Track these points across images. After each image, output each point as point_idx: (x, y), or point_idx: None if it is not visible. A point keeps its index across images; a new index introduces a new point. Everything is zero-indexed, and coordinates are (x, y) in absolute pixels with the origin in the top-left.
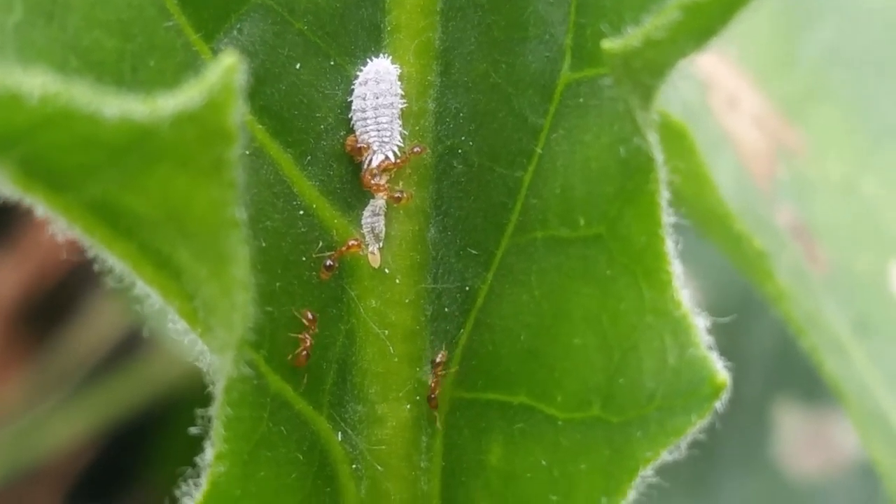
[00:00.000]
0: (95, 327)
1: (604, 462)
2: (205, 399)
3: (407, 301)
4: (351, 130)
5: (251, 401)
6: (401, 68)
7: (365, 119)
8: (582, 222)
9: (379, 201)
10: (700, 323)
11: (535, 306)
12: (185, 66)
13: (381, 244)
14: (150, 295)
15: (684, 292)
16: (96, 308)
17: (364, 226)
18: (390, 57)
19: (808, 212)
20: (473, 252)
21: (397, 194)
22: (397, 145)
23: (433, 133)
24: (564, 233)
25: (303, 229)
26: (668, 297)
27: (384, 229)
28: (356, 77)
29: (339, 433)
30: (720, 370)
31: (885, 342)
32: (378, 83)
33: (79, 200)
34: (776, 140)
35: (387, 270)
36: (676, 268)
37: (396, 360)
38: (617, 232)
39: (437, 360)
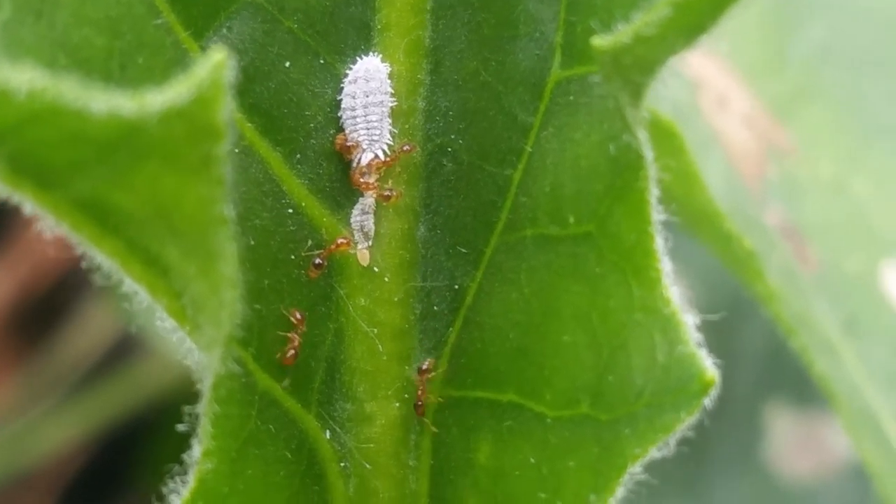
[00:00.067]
0: (88, 332)
1: (592, 459)
2: (194, 399)
3: (396, 299)
4: (340, 129)
5: (239, 398)
6: (391, 66)
7: (354, 117)
8: (571, 220)
9: (368, 199)
10: (689, 320)
11: (524, 304)
12: (175, 64)
13: (370, 242)
14: (139, 293)
15: (673, 290)
16: (89, 313)
17: (353, 224)
18: (380, 55)
19: (798, 212)
20: (463, 250)
21: (387, 193)
22: (387, 143)
23: (423, 131)
24: (554, 231)
25: (292, 227)
26: (658, 294)
27: (373, 228)
28: (346, 75)
29: (328, 431)
30: (709, 367)
31: (875, 342)
32: (368, 81)
33: (66, 197)
34: (766, 140)
35: (376, 269)
36: (666, 265)
37: (385, 358)
38: (606, 229)
39: (424, 367)
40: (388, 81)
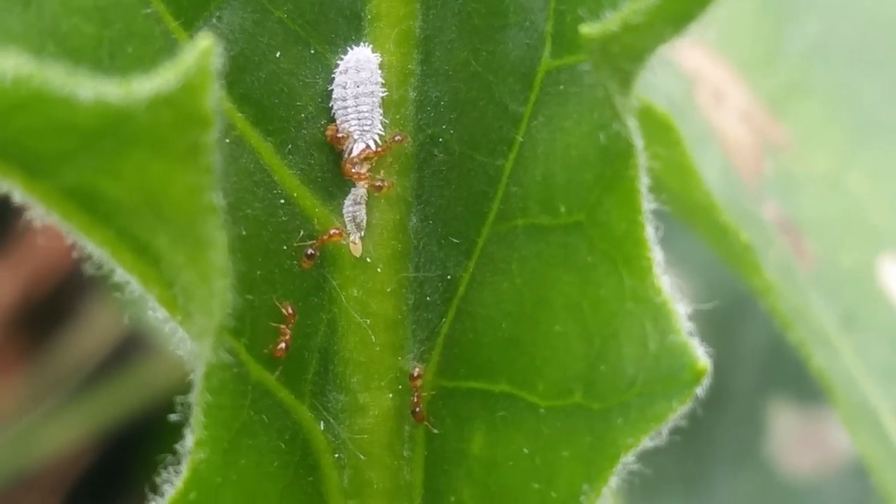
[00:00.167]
0: (92, 332)
1: (585, 449)
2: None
3: (388, 290)
4: (331, 119)
5: (232, 388)
6: (381, 57)
7: (345, 108)
8: (562, 210)
9: (360, 190)
10: (681, 309)
11: (516, 294)
12: (164, 54)
13: (362, 233)
14: (130, 282)
15: (665, 279)
16: (93, 313)
17: (345, 215)
18: (371, 45)
19: (794, 207)
20: (455, 241)
21: (378, 183)
22: (378, 134)
23: (414, 122)
24: (545, 220)
25: (284, 218)
26: (649, 283)
27: (365, 218)
28: (336, 66)
29: (322, 422)
30: (701, 356)
31: (872, 337)
32: (358, 72)
33: (55, 186)
34: (762, 135)
35: (368, 259)
36: (657, 254)
37: (378, 349)
38: (597, 219)
39: (415, 374)
40: (379, 72)
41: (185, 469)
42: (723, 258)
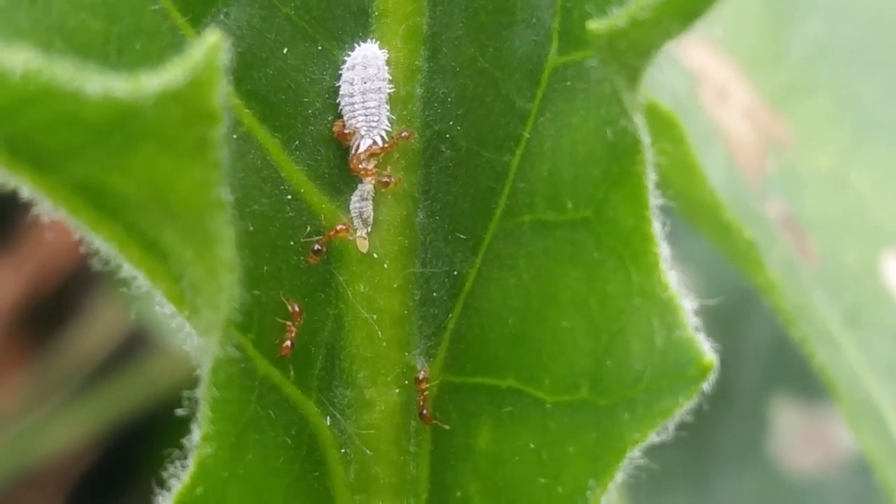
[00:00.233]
0: (96, 330)
1: (591, 444)
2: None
3: (395, 286)
4: (338, 115)
5: (238, 383)
6: (388, 53)
7: (353, 104)
8: (569, 206)
9: (367, 186)
10: (687, 305)
11: (522, 290)
12: (172, 50)
13: (369, 229)
14: (137, 277)
15: (671, 274)
16: (97, 311)
17: (352, 210)
18: (378, 42)
19: (798, 204)
20: (461, 236)
21: (385, 179)
22: (385, 130)
23: (421, 118)
24: (552, 216)
25: (290, 214)
26: (656, 279)
27: (372, 214)
28: (344, 62)
29: (328, 417)
30: (707, 351)
31: (875, 334)
32: (366, 68)
33: (63, 181)
34: (766, 133)
35: (375, 255)
36: (664, 250)
37: (385, 344)
38: (604, 215)
39: (420, 377)
40: (386, 68)
41: (191, 464)
42: (726, 255)
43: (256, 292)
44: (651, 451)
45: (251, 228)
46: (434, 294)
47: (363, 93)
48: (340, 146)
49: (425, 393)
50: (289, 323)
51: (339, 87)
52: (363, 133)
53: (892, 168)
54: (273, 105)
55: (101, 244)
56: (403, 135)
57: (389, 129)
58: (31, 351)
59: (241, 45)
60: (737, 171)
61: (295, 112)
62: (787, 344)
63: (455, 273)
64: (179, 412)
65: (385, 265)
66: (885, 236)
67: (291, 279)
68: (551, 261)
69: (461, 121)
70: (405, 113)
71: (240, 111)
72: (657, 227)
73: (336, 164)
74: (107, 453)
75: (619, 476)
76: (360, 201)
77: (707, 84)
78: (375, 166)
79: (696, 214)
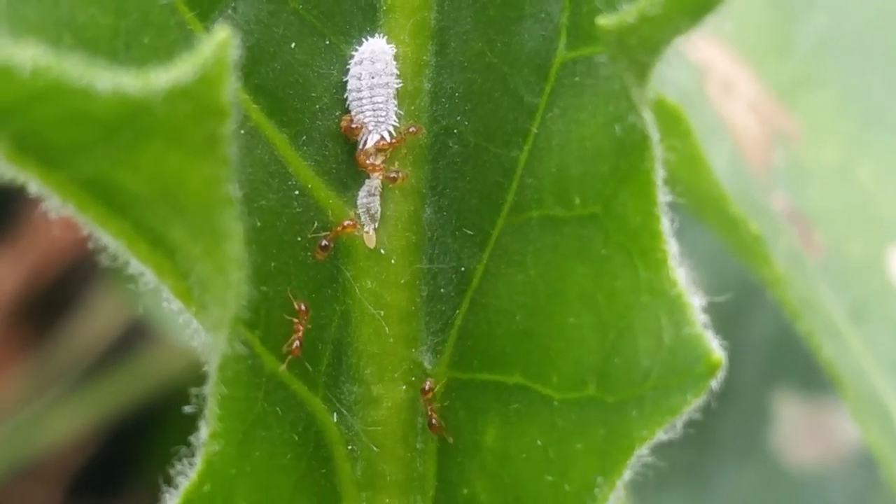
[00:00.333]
0: (95, 322)
1: (599, 442)
2: (201, 382)
3: (402, 282)
4: (346, 110)
5: (246, 380)
6: (396, 48)
7: (360, 99)
8: (577, 202)
9: (374, 181)
10: (696, 302)
11: (530, 286)
12: (180, 45)
13: (376, 224)
14: (145, 273)
15: (680, 271)
16: (96, 302)
17: (359, 206)
18: (386, 36)
19: (803, 198)
20: (469, 232)
21: (393, 174)
22: (393, 125)
23: (429, 113)
24: (560, 212)
25: (298, 209)
26: (664, 275)
27: (380, 210)
28: (351, 57)
29: (335, 414)
30: (716, 349)
31: (881, 328)
32: (373, 63)
33: (71, 177)
34: (772, 126)
35: (382, 251)
36: (672, 246)
37: (392, 340)
38: (612, 211)
39: (427, 386)
40: (394, 63)
41: (199, 461)
42: (732, 249)
43: (264, 288)
44: (652, 446)
45: (258, 224)
46: (441, 290)
47: (371, 88)
48: (348, 141)
49: (432, 403)
50: (297, 322)
51: (347, 81)
52: (371, 128)
53: None
54: (281, 100)
55: (109, 240)
56: (411, 130)
57: (397, 125)
58: (31, 342)
59: (249, 40)
60: (742, 164)
61: (302, 107)
62: (790, 337)
63: (462, 269)
64: (186, 409)
65: (392, 261)
66: (891, 230)
67: (299, 275)
68: (559, 257)
69: (469, 116)
70: (413, 108)
71: (248, 106)
72: (665, 224)
73: (343, 159)
74: (106, 445)
75: (627, 474)
76: (368, 197)
77: (713, 77)
78: (383, 162)
79: (702, 208)
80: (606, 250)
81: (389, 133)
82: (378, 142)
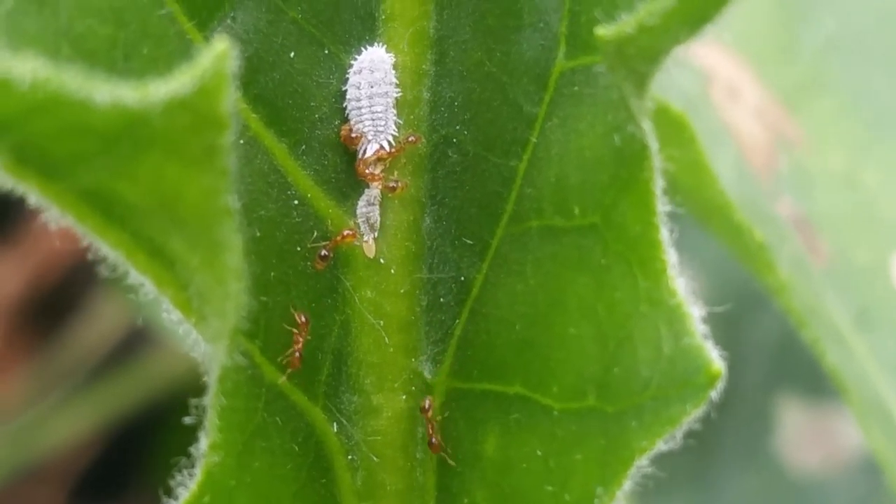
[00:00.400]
0: (98, 324)
1: (599, 452)
2: (201, 391)
3: (402, 291)
4: (345, 120)
5: (245, 391)
6: (395, 57)
7: (359, 108)
8: (577, 211)
9: (374, 191)
10: (695, 312)
11: (530, 296)
12: (179, 55)
13: (375, 234)
14: (144, 284)
15: (679, 281)
16: (99, 305)
17: (359, 215)
18: (385, 46)
19: (808, 203)
20: (468, 242)
21: (392, 184)
22: (392, 134)
23: (428, 122)
24: (559, 222)
25: (297, 219)
26: (663, 285)
27: (379, 219)
28: (350, 66)
29: (335, 424)
30: (715, 359)
31: (887, 334)
32: (372, 72)
33: (70, 188)
34: (777, 132)
35: (382, 260)
36: (671, 256)
37: (392, 350)
38: (612, 221)
39: (426, 405)
40: (393, 72)
41: (199, 472)
42: (736, 256)
43: (263, 298)
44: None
45: (258, 234)
46: (441, 299)
47: (370, 97)
48: (347, 151)
49: (432, 421)
50: (296, 333)
51: (346, 91)
52: (370, 137)
53: None
54: (280, 109)
55: (109, 251)
56: (410, 139)
57: (396, 134)
58: (34, 346)
59: (248, 50)
60: (747, 170)
61: (301, 116)
62: (791, 342)
63: (462, 278)
64: (186, 420)
65: (392, 270)
66: None
67: (298, 285)
68: (559, 266)
69: (468, 125)
70: (412, 117)
71: (246, 116)
72: (665, 234)
73: (343, 168)
74: (109, 448)
75: (627, 484)
76: (367, 206)
77: (718, 82)
78: (382, 171)
79: (705, 215)
80: (606, 260)
81: (389, 142)
82: (377, 151)
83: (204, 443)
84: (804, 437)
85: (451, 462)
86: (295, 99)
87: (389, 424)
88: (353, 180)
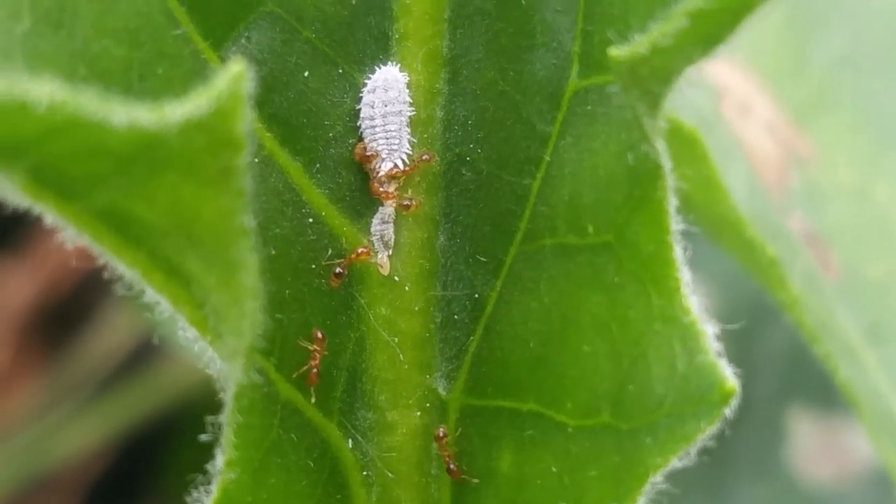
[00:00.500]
0: (108, 336)
1: (613, 469)
2: (216, 407)
3: (416, 308)
4: (359, 138)
5: (261, 408)
6: (409, 76)
7: (373, 127)
8: (590, 230)
9: (388, 209)
10: (709, 329)
11: (544, 314)
12: (194, 75)
13: (390, 252)
14: (160, 302)
15: (693, 299)
16: (109, 317)
17: (373, 233)
18: (398, 65)
19: (820, 219)
20: (482, 259)
21: (406, 202)
22: (406, 153)
23: (441, 141)
24: (573, 240)
25: (312, 237)
26: (677, 303)
27: (393, 237)
28: (364, 85)
29: (350, 440)
30: (729, 377)
31: None
32: (386, 91)
33: (87, 209)
34: (788, 147)
35: (396, 278)
36: (685, 275)
37: (406, 367)
38: (625, 239)
39: (441, 433)
40: (407, 91)
41: (215, 489)
42: (748, 271)
43: (279, 316)
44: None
45: (273, 252)
46: (455, 317)
47: (384, 116)
48: (361, 169)
49: (447, 448)
50: (314, 349)
51: (360, 110)
52: (384, 156)
53: None
54: (294, 128)
55: (125, 270)
56: (424, 158)
57: (410, 152)
58: (45, 357)
59: (263, 69)
60: (759, 186)
61: (316, 135)
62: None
63: (476, 296)
64: (203, 437)
65: (406, 288)
66: None
67: (313, 302)
68: (572, 285)
69: (482, 144)
70: (426, 136)
71: (261, 135)
72: (678, 252)
73: (357, 186)
74: (120, 458)
75: (642, 500)
76: (382, 224)
77: (729, 98)
78: (396, 189)
79: (717, 231)
80: (619, 278)
81: (402, 161)
82: (391, 169)
83: (220, 460)
84: (816, 451)
85: (473, 481)
86: (309, 118)
87: (404, 441)
88: (367, 198)
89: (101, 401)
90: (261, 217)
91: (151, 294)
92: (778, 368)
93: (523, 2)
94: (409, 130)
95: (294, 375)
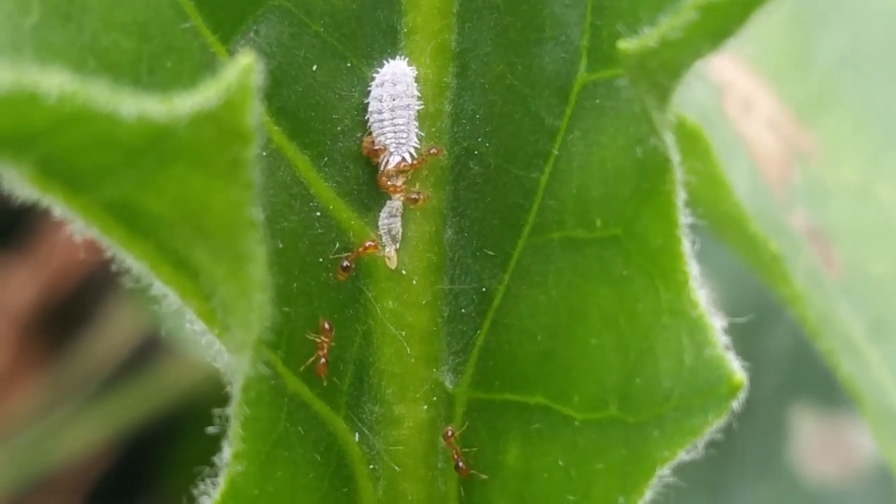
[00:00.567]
0: (112, 334)
1: (621, 462)
2: (219, 406)
3: (424, 302)
4: (367, 132)
5: (269, 401)
6: (417, 70)
7: (381, 121)
8: (598, 223)
9: (395, 203)
10: (717, 323)
11: (551, 307)
12: (203, 68)
13: (397, 245)
14: (168, 295)
15: (701, 293)
16: (113, 315)
17: (381, 227)
18: (407, 59)
19: (823, 215)
20: (490, 253)
21: (414, 196)
22: (414, 147)
23: (449, 134)
24: (581, 234)
25: (320, 230)
26: (685, 297)
27: (401, 230)
28: (373, 79)
29: (357, 434)
30: (737, 370)
31: None
32: (394, 85)
33: (96, 201)
34: (791, 144)
35: (403, 272)
36: (693, 268)
37: (413, 361)
38: (633, 233)
39: (449, 433)
40: (415, 85)
41: (222, 481)
42: (751, 267)
43: (286, 309)
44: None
45: (281, 245)
46: (462, 310)
47: (392, 109)
48: (369, 163)
49: (456, 447)
50: (322, 340)
51: (368, 103)
52: (392, 150)
53: None
54: (302, 122)
55: (133, 262)
56: (432, 151)
57: (418, 146)
58: (48, 354)
59: (271, 63)
60: (762, 182)
61: (324, 129)
62: (808, 352)
63: (483, 289)
64: (210, 430)
65: (414, 281)
66: None
67: (321, 296)
68: (580, 278)
69: (490, 137)
70: (434, 130)
71: (270, 128)
72: (687, 246)
73: (365, 180)
74: (123, 457)
75: (648, 493)
76: (389, 218)
77: (732, 95)
78: (404, 183)
79: (720, 226)
80: (628, 272)
81: (410, 154)
82: (399, 163)
83: (227, 452)
84: (819, 447)
85: (482, 477)
86: (317, 111)
87: (411, 434)
88: (374, 192)
89: (102, 400)
90: (269, 210)
91: (159, 287)
92: (781, 366)
93: None
94: (417, 124)
95: (301, 368)
